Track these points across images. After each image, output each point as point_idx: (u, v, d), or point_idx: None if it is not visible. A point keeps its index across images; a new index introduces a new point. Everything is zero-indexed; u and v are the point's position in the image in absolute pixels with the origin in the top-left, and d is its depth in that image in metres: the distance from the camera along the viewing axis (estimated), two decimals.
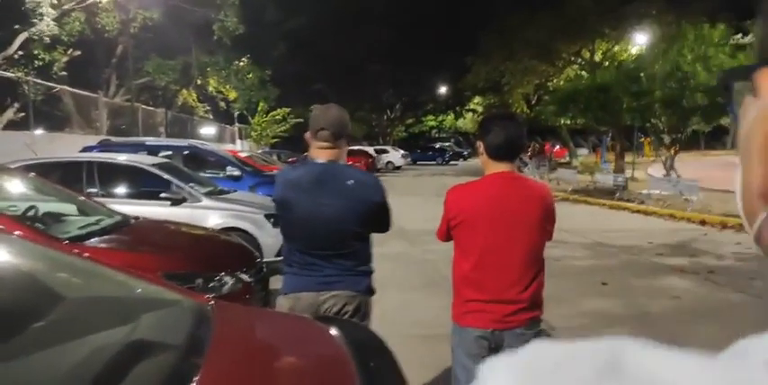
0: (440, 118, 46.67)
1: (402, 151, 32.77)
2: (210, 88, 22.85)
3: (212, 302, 1.67)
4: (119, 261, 3.42)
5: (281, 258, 2.30)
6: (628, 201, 12.57)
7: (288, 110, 25.86)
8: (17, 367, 1.24)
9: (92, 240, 3.72)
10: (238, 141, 25.78)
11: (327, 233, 2.12)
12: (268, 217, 6.00)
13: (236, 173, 9.25)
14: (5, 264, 1.82)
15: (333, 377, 1.43)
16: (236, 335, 1.50)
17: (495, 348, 2.05)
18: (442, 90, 40.22)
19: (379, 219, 2.25)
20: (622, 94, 14.31)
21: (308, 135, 2.20)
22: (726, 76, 0.35)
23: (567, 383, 0.22)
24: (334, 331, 1.68)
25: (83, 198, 4.75)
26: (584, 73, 24.17)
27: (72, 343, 1.33)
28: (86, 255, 2.45)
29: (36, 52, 15.01)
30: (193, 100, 23.76)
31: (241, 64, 22.36)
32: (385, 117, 41.66)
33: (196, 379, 1.17)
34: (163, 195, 5.88)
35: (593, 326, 4.47)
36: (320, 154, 2.17)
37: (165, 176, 6.09)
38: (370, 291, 2.26)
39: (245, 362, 1.32)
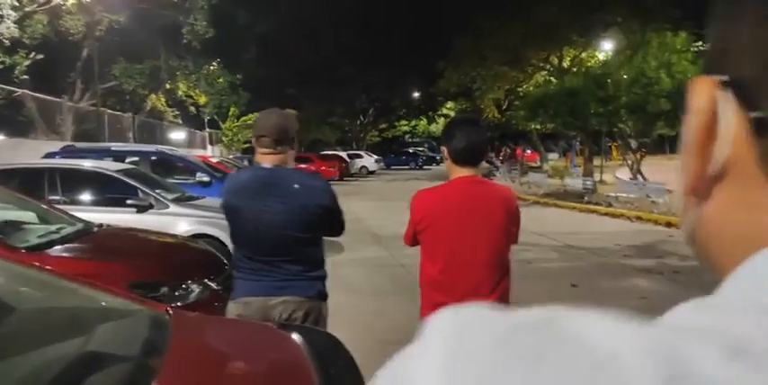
0: (413, 123, 46.94)
1: (375, 156, 32.83)
2: (180, 93, 22.50)
3: (170, 311, 1.62)
4: (81, 270, 3.32)
5: (232, 262, 2.27)
6: (596, 204, 12.81)
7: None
8: None
9: (52, 249, 3.62)
10: (209, 147, 25.45)
11: (272, 239, 2.10)
12: None
13: (206, 178, 9.12)
14: None
15: (292, 383, 1.40)
16: (194, 344, 1.46)
17: None
18: (415, 95, 40.49)
19: (329, 223, 2.23)
20: (590, 99, 14.60)
21: (253, 141, 2.20)
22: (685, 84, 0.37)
23: (508, 359, 0.21)
24: (294, 337, 1.65)
25: (44, 206, 4.61)
26: (552, 79, 24.62)
27: (22, 355, 1.27)
28: (46, 266, 2.37)
29: None
30: (162, 104, 23.36)
31: (211, 68, 22.08)
32: (358, 122, 41.68)
33: None
34: (129, 202, 5.75)
35: None
36: (264, 159, 2.16)
37: (131, 182, 5.97)
38: (322, 297, 2.23)
39: (203, 371, 1.28)
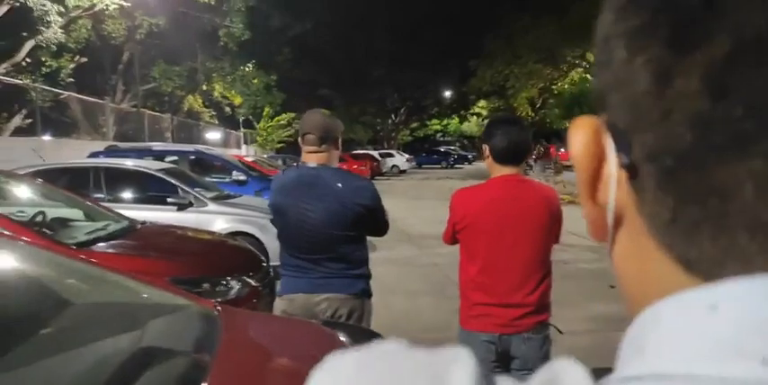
0: (444, 122, 46.65)
1: (407, 155, 32.75)
2: (216, 94, 22.96)
3: (219, 307, 1.66)
4: (126, 266, 3.42)
5: (280, 260, 2.32)
6: None
7: (293, 115, 25.94)
8: (25, 374, 1.23)
9: (99, 245, 3.73)
10: (244, 146, 25.87)
11: (314, 237, 2.13)
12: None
13: (242, 177, 9.26)
14: (13, 270, 1.82)
15: None
16: (244, 341, 1.49)
17: (502, 352, 2.05)
18: (447, 94, 40.24)
19: (372, 222, 2.24)
20: None
21: (299, 139, 2.23)
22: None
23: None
24: (341, 336, 1.66)
25: (90, 203, 4.77)
26: (589, 76, 24.13)
27: (80, 349, 1.32)
28: (93, 260, 2.45)
29: (43, 59, 15.14)
30: (199, 105, 23.89)
31: (246, 69, 22.46)
32: (390, 121, 41.70)
33: (206, 382, 1.15)
34: (169, 200, 5.89)
35: (602, 330, 4.43)
36: (310, 158, 2.19)
37: (172, 181, 6.11)
38: (366, 294, 2.25)
39: (254, 368, 1.30)
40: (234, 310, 1.80)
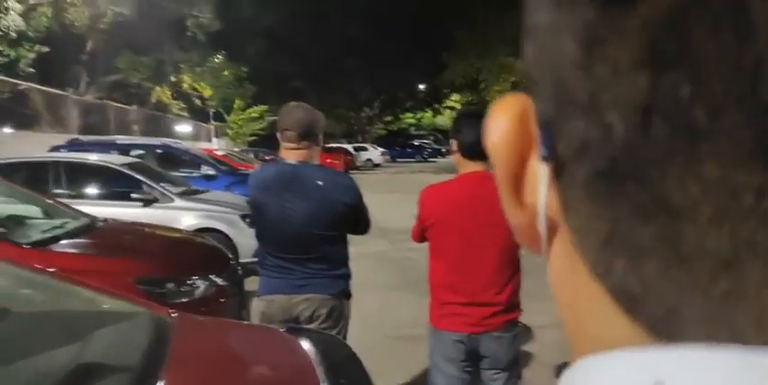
0: (418, 115, 46.72)
1: (381, 149, 32.72)
2: (185, 85, 22.46)
3: (174, 314, 1.56)
4: (86, 266, 3.28)
5: (257, 259, 2.27)
6: None
7: (265, 107, 25.57)
8: None
9: (56, 244, 3.57)
10: (214, 139, 25.42)
11: (296, 236, 2.07)
12: (243, 217, 5.88)
13: (211, 172, 9.09)
14: None
15: None
16: (197, 350, 1.39)
17: (471, 351, 2.04)
18: (420, 87, 40.27)
19: (354, 221, 2.19)
20: None
21: (278, 135, 2.15)
22: None
23: None
24: (303, 343, 1.59)
25: (48, 200, 4.58)
26: None
27: (15, 364, 1.20)
28: (46, 261, 2.32)
29: (0, 48, 14.54)
30: (167, 97, 23.33)
31: (216, 61, 22.02)
32: (363, 114, 41.55)
33: None
34: (134, 196, 5.73)
35: None
36: (289, 154, 2.12)
37: (137, 176, 5.94)
38: (346, 295, 2.21)
39: (205, 379, 1.21)
40: (189, 317, 1.69)
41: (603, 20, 0.16)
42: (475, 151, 1.97)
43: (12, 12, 13.55)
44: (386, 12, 31.94)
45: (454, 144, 2.02)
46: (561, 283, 0.21)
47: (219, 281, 3.70)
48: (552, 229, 0.21)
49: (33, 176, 5.80)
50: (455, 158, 2.05)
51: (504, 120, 0.21)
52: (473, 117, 2.04)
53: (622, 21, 0.15)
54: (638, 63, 0.15)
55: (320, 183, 2.07)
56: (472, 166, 2.00)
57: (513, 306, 2.05)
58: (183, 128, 23.09)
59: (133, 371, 1.15)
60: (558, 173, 0.19)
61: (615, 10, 0.16)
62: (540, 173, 0.20)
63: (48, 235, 3.69)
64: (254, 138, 27.01)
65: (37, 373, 1.16)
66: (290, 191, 2.05)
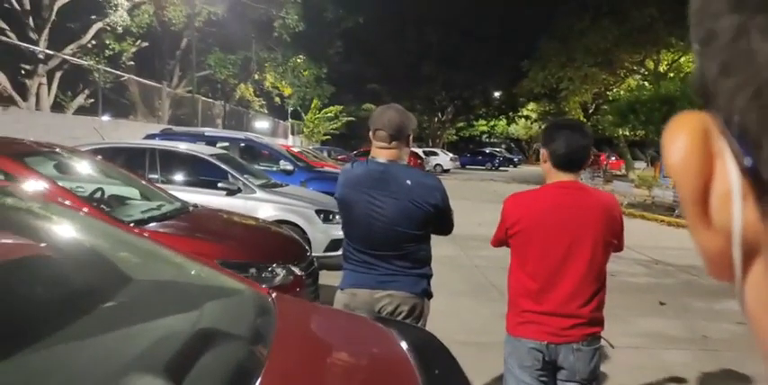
0: (491, 123, 46.04)
1: (451, 154, 32.50)
2: (267, 83, 23.32)
3: (273, 294, 1.65)
4: (177, 246, 3.49)
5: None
6: None
7: (341, 108, 26.13)
8: (86, 348, 1.25)
9: (152, 224, 3.81)
10: (290, 136, 26.21)
11: (381, 234, 2.12)
12: (318, 212, 6.04)
13: (289, 167, 9.34)
14: (76, 242, 1.86)
15: (395, 378, 1.37)
16: (298, 330, 1.47)
17: (549, 361, 2.01)
18: (496, 94, 39.64)
19: (439, 221, 2.22)
20: (687, 107, 13.62)
21: (370, 134, 2.21)
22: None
23: None
24: (393, 333, 1.63)
25: (145, 183, 4.89)
26: (646, 83, 23.27)
27: (140, 327, 1.33)
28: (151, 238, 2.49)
29: (107, 42, 15.70)
30: (250, 94, 24.32)
31: (298, 61, 22.71)
32: (436, 119, 41.43)
33: (261, 372, 1.14)
34: (220, 185, 6.00)
35: (653, 347, 4.28)
36: (379, 153, 2.18)
37: (223, 167, 6.23)
38: (427, 294, 2.24)
39: (308, 358, 1.28)
40: (288, 298, 1.79)
41: None
42: (566, 162, 1.96)
43: (120, 8, 14.62)
44: (466, 18, 31.75)
45: (545, 153, 2.01)
46: (765, 314, 0.20)
47: (297, 270, 3.83)
48: (750, 254, 0.19)
49: (131, 161, 6.18)
50: (544, 168, 2.04)
51: (684, 140, 0.20)
52: (566, 127, 2.03)
53: None
54: None
55: (408, 182, 2.11)
56: (562, 176, 1.98)
57: (596, 320, 2.01)
58: (262, 124, 23.98)
59: (246, 340, 1.24)
60: (762, 188, 0.17)
61: None
62: (733, 189, 0.18)
63: (146, 215, 3.95)
64: (327, 137, 27.64)
65: (159, 337, 1.28)
66: (378, 189, 2.11)
